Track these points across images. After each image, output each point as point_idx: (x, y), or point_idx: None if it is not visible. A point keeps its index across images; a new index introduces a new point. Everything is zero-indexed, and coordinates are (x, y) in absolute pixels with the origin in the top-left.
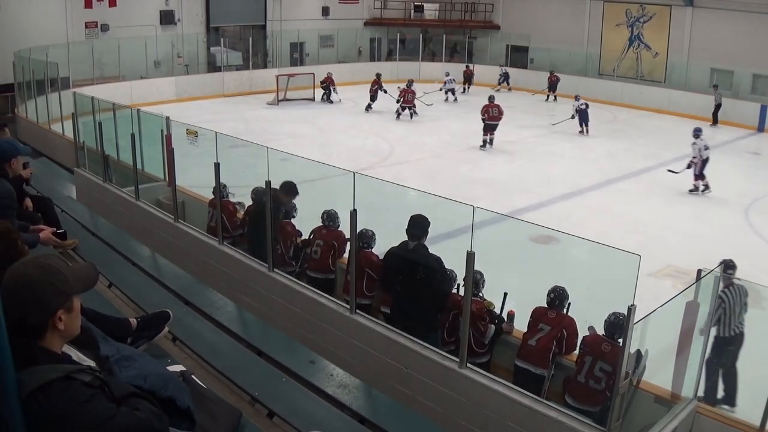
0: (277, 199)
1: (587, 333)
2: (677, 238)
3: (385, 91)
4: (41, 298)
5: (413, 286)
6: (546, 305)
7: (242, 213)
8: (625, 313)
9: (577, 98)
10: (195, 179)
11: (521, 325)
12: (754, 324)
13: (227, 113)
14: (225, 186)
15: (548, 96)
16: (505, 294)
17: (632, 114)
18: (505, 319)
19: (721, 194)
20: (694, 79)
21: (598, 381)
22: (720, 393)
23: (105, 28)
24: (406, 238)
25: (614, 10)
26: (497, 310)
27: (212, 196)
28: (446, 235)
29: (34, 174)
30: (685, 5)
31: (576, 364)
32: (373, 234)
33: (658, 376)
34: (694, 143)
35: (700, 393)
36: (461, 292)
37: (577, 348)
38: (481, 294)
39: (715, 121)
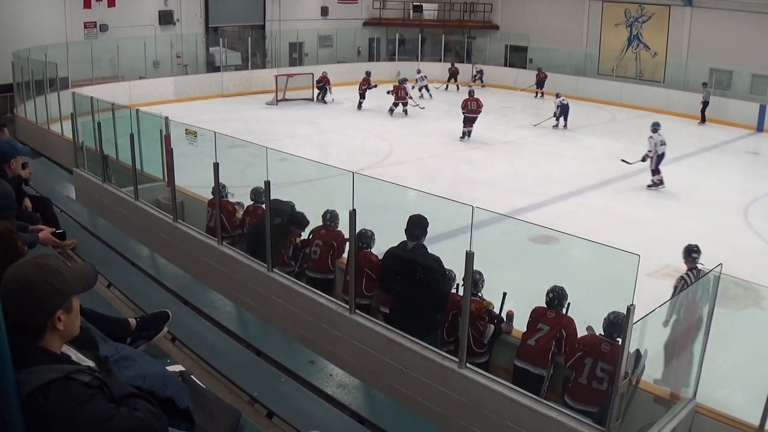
0: (284, 228)
1: (585, 333)
2: (676, 238)
3: (375, 86)
4: (40, 298)
5: (412, 286)
6: (545, 305)
7: (241, 213)
8: (624, 313)
9: (558, 95)
10: (194, 179)
11: (520, 325)
12: (754, 324)
13: (226, 113)
14: (224, 186)
15: (537, 93)
16: (505, 294)
17: (631, 114)
18: (505, 319)
19: (721, 194)
20: (693, 78)
21: (600, 382)
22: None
23: (104, 28)
24: (405, 238)
25: (613, 10)
26: (496, 310)
27: (211, 196)
28: (445, 235)
29: (33, 174)
30: (684, 5)
31: (575, 366)
32: (373, 234)
33: (657, 376)
34: (651, 137)
35: (657, 376)
36: (460, 292)
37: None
38: (480, 294)
39: (703, 119)
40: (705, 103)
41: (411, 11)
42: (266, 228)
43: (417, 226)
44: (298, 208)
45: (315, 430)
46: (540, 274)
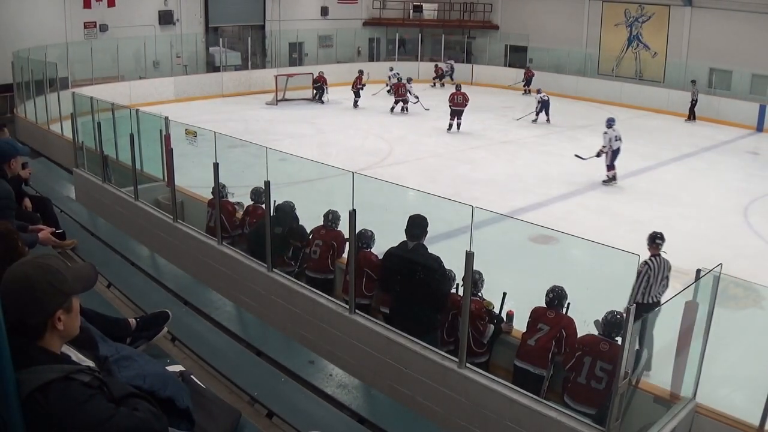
0: (284, 239)
1: (589, 332)
2: (676, 238)
3: (364, 85)
4: (40, 298)
5: (412, 286)
6: (545, 305)
7: (241, 213)
8: (623, 312)
9: (539, 91)
10: (194, 179)
11: (520, 325)
12: (754, 324)
13: (226, 113)
14: (224, 186)
15: (525, 90)
16: (504, 294)
17: (631, 114)
18: (504, 319)
19: (721, 194)
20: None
21: (599, 381)
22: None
23: (104, 28)
24: (405, 238)
25: (613, 10)
26: (496, 310)
27: (211, 196)
28: (445, 235)
29: (33, 174)
30: (683, 5)
31: (572, 367)
32: (373, 234)
33: (657, 375)
34: (606, 132)
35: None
36: (460, 291)
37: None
38: (480, 294)
39: (691, 116)
40: (694, 102)
41: (411, 11)
42: (266, 228)
43: (417, 226)
44: (298, 208)
45: (315, 430)
46: (540, 274)
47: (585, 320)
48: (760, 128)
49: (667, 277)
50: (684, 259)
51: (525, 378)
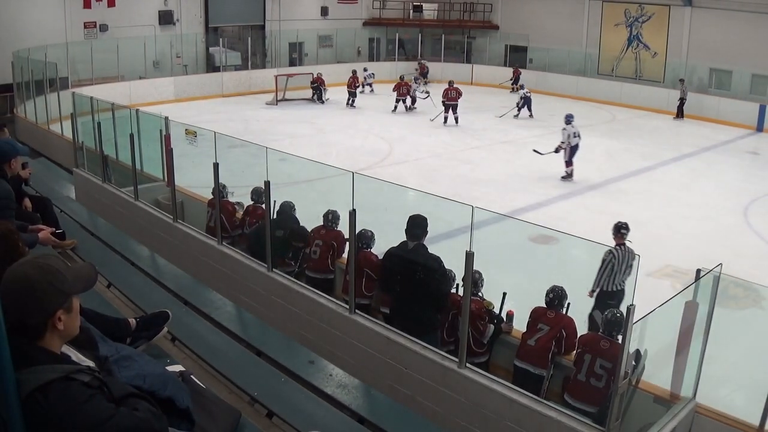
0: (286, 241)
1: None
2: (676, 238)
3: (358, 86)
4: (41, 298)
5: (413, 286)
6: (545, 305)
7: (241, 213)
8: (622, 312)
9: (522, 87)
10: (194, 179)
11: (520, 324)
12: (754, 324)
13: (226, 113)
14: (224, 186)
15: (513, 89)
16: (504, 294)
17: (631, 114)
18: (504, 319)
19: (721, 194)
20: (694, 79)
21: (599, 378)
22: None
23: (104, 28)
24: (405, 238)
25: (613, 10)
26: (496, 310)
27: (211, 196)
28: (445, 235)
29: (33, 174)
30: (683, 5)
31: (574, 363)
32: (373, 234)
33: (657, 375)
34: (564, 129)
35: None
36: (460, 291)
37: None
38: (480, 294)
39: (679, 114)
40: (682, 100)
41: (411, 11)
42: (266, 228)
43: (417, 226)
44: (298, 208)
45: (315, 430)
46: (540, 274)
47: (585, 320)
48: (760, 128)
49: (631, 266)
50: (684, 259)
51: (525, 378)
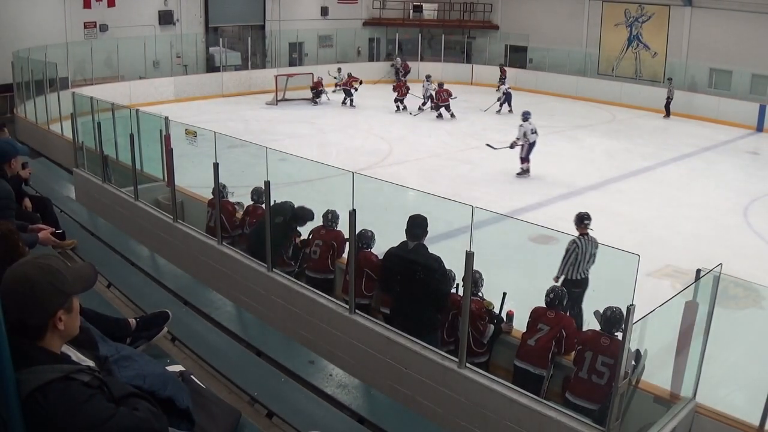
0: (287, 226)
1: (593, 319)
2: (676, 238)
3: (356, 87)
4: (41, 298)
5: (413, 286)
6: (545, 305)
7: (241, 213)
8: (621, 308)
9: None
10: (194, 179)
11: (520, 324)
12: (754, 324)
13: (226, 113)
14: (224, 186)
15: (499, 87)
16: (504, 294)
17: (631, 114)
18: (504, 319)
19: (721, 194)
20: (693, 79)
21: (600, 376)
22: None
23: (104, 28)
24: (405, 238)
25: (613, 10)
26: (496, 310)
27: (211, 196)
28: (445, 235)
29: (33, 174)
30: (683, 5)
31: (575, 362)
32: (373, 234)
33: (657, 375)
34: (521, 125)
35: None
36: (460, 291)
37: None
38: (480, 294)
39: (667, 113)
40: (669, 98)
41: (411, 11)
42: (266, 228)
43: (418, 226)
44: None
45: (315, 430)
46: (540, 274)
47: (586, 319)
48: (760, 128)
49: (594, 255)
50: (684, 259)
51: (525, 378)
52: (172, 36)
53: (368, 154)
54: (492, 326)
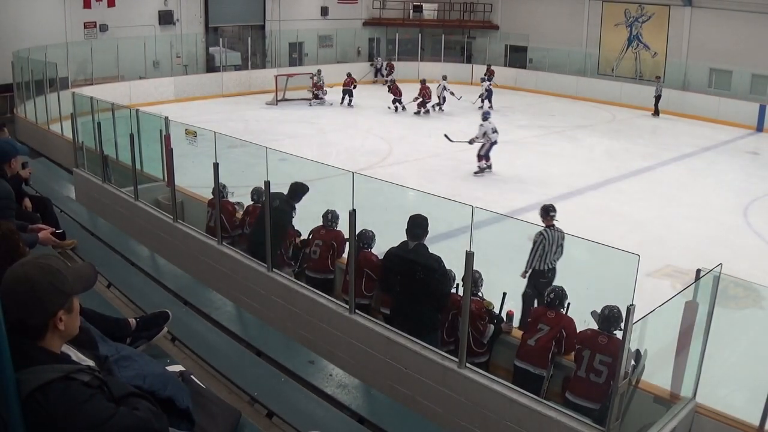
0: (284, 209)
1: (591, 319)
2: (676, 238)
3: (355, 86)
4: (42, 298)
5: (413, 286)
6: (545, 305)
7: (241, 213)
8: (621, 308)
9: (483, 80)
10: (194, 179)
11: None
12: (754, 324)
13: (226, 113)
14: (224, 186)
15: (482, 84)
16: (504, 294)
17: (631, 114)
18: (504, 319)
19: (721, 194)
20: (693, 79)
21: (598, 374)
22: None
23: (104, 28)
24: (405, 238)
25: (613, 10)
26: (496, 310)
27: (211, 196)
28: (445, 235)
29: (33, 174)
30: (683, 5)
31: (574, 360)
32: (374, 235)
33: (657, 375)
34: (481, 125)
35: (516, 323)
36: (460, 291)
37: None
38: (480, 294)
39: (656, 111)
40: (658, 97)
41: (411, 11)
42: (266, 228)
43: (418, 225)
44: (299, 207)
45: (315, 430)
46: None
47: (585, 320)
48: (760, 128)
49: (561, 245)
50: (684, 259)
51: (525, 378)
52: (172, 36)
53: (368, 154)
54: (492, 326)
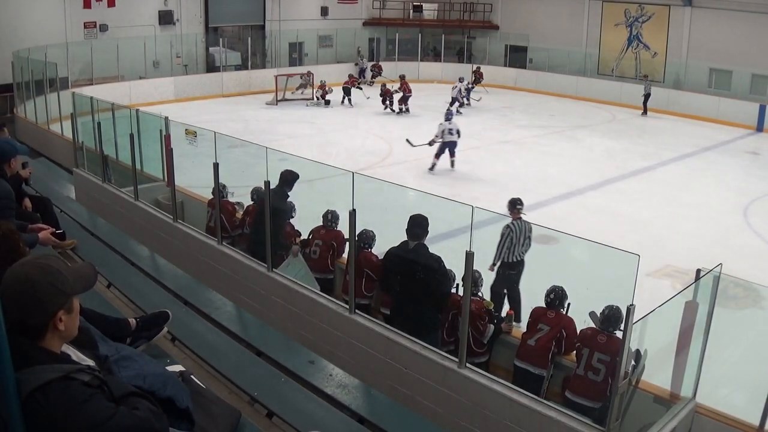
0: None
1: (590, 320)
2: (676, 238)
3: (360, 87)
4: (41, 298)
5: (413, 286)
6: (545, 305)
7: (241, 213)
8: (621, 308)
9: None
10: (194, 179)
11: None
12: (754, 324)
13: (226, 113)
14: (224, 186)
15: (484, 87)
16: (505, 294)
17: (631, 114)
18: (505, 319)
19: (721, 194)
20: (693, 79)
21: (596, 372)
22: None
23: (104, 28)
24: (405, 238)
25: (613, 10)
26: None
27: (211, 196)
28: (445, 235)
29: (33, 174)
30: (683, 5)
31: (575, 359)
32: (374, 235)
33: (657, 375)
34: (441, 124)
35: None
36: (460, 291)
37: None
38: (480, 294)
39: (645, 110)
40: (647, 96)
41: (411, 11)
42: (266, 227)
43: (418, 225)
44: (298, 208)
45: (315, 430)
46: (540, 274)
47: (584, 320)
48: (760, 128)
49: (529, 238)
50: (684, 259)
51: (525, 378)
52: (172, 36)
53: (368, 154)
54: (492, 326)
